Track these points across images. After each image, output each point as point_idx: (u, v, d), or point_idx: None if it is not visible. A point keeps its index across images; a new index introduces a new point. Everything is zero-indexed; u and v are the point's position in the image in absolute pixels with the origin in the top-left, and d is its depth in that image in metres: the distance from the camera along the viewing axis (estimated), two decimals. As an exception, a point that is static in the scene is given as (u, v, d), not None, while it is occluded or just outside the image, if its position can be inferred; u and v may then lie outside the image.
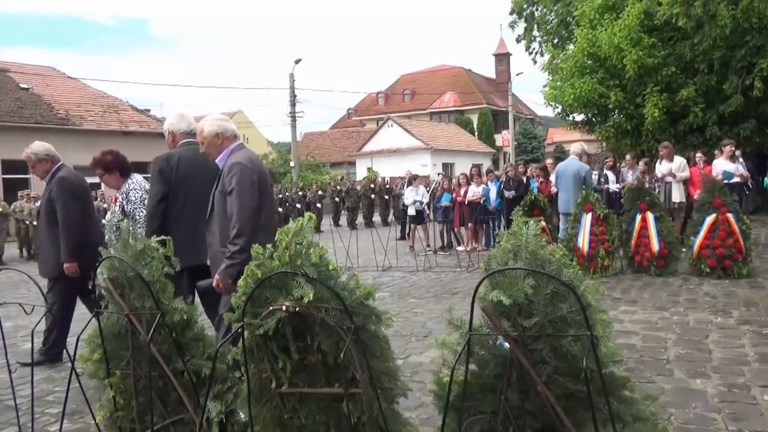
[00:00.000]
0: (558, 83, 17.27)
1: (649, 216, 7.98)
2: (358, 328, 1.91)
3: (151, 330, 2.15)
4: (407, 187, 13.26)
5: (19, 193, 17.10)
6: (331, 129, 54.03)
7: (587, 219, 8.12)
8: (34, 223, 15.64)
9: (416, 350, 4.92)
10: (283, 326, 1.97)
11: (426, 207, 12.38)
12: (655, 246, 7.81)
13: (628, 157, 11.16)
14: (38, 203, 16.45)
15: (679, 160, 10.03)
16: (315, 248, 1.98)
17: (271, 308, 1.94)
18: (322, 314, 1.93)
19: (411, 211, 12.41)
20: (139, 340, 2.30)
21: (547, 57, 19.84)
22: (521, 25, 24.13)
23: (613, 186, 10.54)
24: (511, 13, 24.06)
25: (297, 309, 1.91)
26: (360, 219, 20.77)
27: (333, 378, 2.02)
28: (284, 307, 1.92)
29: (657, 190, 9.61)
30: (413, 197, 12.34)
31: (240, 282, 2.03)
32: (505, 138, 44.19)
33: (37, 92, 26.87)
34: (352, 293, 1.99)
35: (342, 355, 1.89)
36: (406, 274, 9.19)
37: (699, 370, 4.07)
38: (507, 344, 1.76)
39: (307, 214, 2.06)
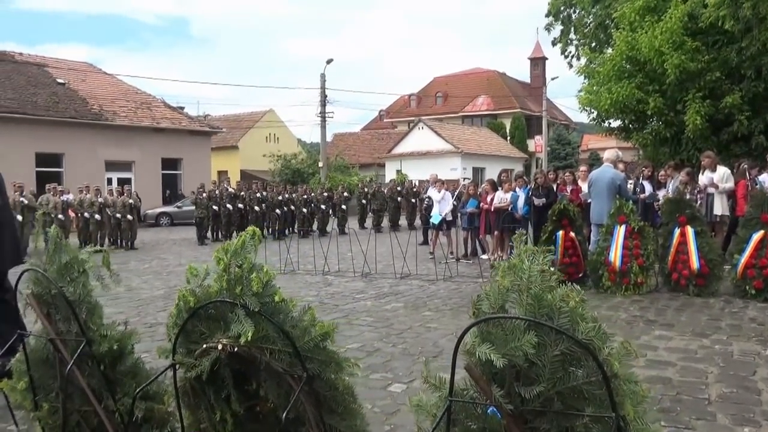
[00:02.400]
0: (594, 87, 16.55)
1: (689, 230, 7.35)
2: (311, 377, 1.49)
3: (72, 360, 1.77)
4: (431, 189, 12.78)
5: (47, 186, 17.14)
6: (362, 130, 53.76)
7: (620, 231, 7.54)
8: (60, 216, 15.68)
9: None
10: (221, 368, 1.56)
11: (449, 213, 11.86)
12: (695, 263, 7.18)
13: (669, 165, 10.50)
14: (65, 197, 16.55)
15: (722, 170, 9.35)
16: (258, 273, 1.56)
17: (204, 346, 1.54)
18: (267, 357, 1.51)
19: (433, 217, 11.92)
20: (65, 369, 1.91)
21: (583, 61, 19.10)
22: (557, 28, 23.41)
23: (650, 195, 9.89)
24: (547, 15, 23.37)
25: (235, 349, 1.50)
26: (386, 222, 20.37)
27: (287, 433, 1.60)
28: (220, 346, 1.51)
29: (698, 202, 8.95)
30: (439, 203, 11.85)
31: (172, 310, 1.63)
32: (537, 143, 43.27)
33: (73, 87, 27.21)
34: (305, 333, 1.56)
35: (290, 408, 1.46)
36: (425, 283, 8.73)
37: (746, 415, 3.51)
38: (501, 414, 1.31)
39: (249, 228, 1.65)
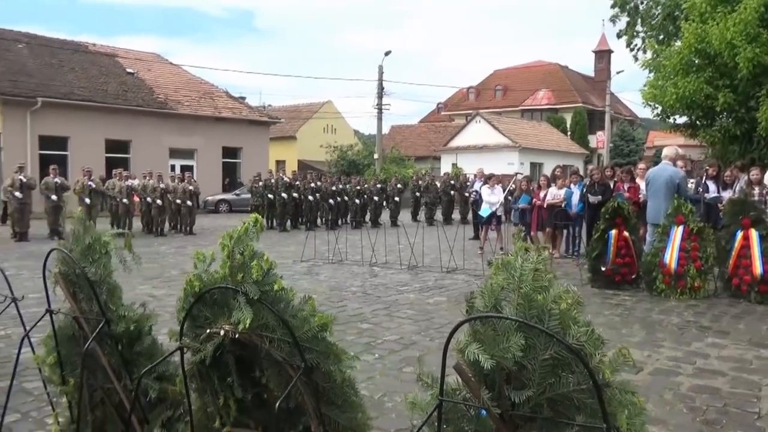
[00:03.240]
0: (659, 82, 15.86)
1: (753, 234, 6.94)
2: (310, 367, 1.47)
3: (91, 338, 1.83)
4: (482, 186, 12.59)
5: (113, 171, 17.90)
6: (419, 123, 53.57)
7: (677, 232, 7.21)
8: (125, 200, 16.34)
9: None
10: (224, 354, 1.57)
11: (500, 207, 11.65)
12: (758, 268, 6.78)
13: (735, 165, 9.95)
14: (130, 182, 17.25)
15: (795, 172, 8.78)
16: (259, 260, 1.56)
17: (208, 331, 1.55)
18: (267, 346, 1.51)
19: (483, 212, 11.74)
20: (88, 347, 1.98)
21: (649, 54, 18.32)
22: (623, 20, 22.57)
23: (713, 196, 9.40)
24: (612, 6, 22.56)
25: (236, 335, 1.50)
26: (438, 215, 20.25)
27: (291, 424, 1.60)
28: (222, 332, 1.52)
29: (766, 204, 8.44)
30: (489, 198, 11.66)
31: (180, 293, 1.65)
32: (599, 139, 41.92)
33: (141, 77, 28.26)
34: (304, 322, 1.55)
35: (288, 398, 1.45)
36: (471, 278, 8.62)
37: (799, 432, 3.29)
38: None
39: (252, 216, 1.65)
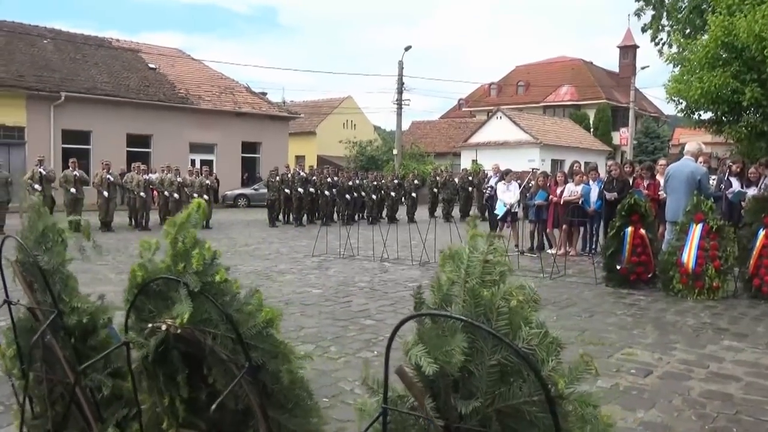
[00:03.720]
0: (684, 77, 15.45)
1: (776, 233, 6.66)
2: (255, 366, 1.35)
3: (40, 330, 1.73)
4: (497, 182, 12.36)
5: (132, 165, 18.03)
6: (440, 119, 53.22)
7: (696, 230, 6.94)
8: (142, 194, 16.44)
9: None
10: (169, 351, 1.46)
11: (516, 204, 11.42)
12: (781, 269, 6.50)
13: (760, 162, 9.60)
14: (148, 176, 17.35)
15: (823, 169, 8.43)
16: (201, 249, 1.44)
17: (150, 326, 1.44)
18: (210, 342, 1.39)
19: (498, 209, 11.52)
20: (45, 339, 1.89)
21: (674, 48, 17.87)
22: (648, 13, 22.08)
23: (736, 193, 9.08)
24: (637, 0, 22.08)
25: (179, 330, 1.39)
26: (456, 212, 20.05)
27: (243, 427, 1.49)
28: (164, 326, 1.40)
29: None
30: (503, 195, 11.43)
31: (127, 284, 1.54)
32: (623, 136, 41.16)
33: (163, 72, 28.45)
34: (249, 317, 1.43)
35: (232, 399, 1.33)
36: (482, 276, 8.43)
37: (815, 443, 3.09)
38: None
39: (195, 201, 1.53)
